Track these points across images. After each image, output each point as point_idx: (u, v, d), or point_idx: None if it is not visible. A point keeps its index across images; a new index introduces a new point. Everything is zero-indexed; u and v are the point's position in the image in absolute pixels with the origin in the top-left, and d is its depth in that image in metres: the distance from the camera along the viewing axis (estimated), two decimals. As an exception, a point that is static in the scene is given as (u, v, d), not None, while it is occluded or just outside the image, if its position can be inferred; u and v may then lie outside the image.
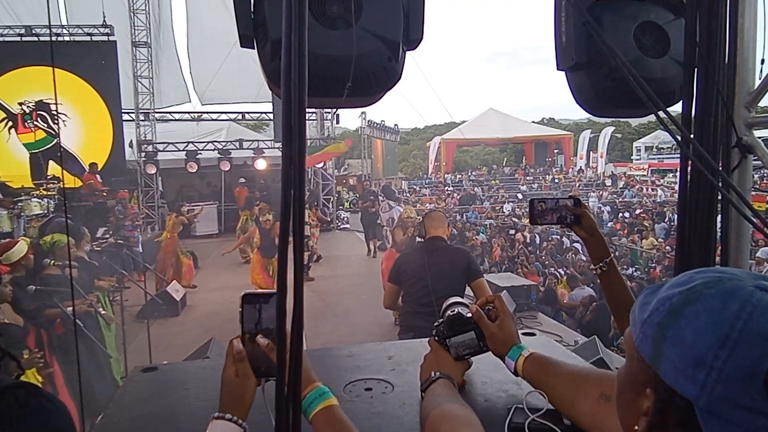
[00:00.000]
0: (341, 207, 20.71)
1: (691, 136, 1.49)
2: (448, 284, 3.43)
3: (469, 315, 1.28)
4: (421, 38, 1.39)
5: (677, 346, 0.51)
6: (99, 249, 6.15)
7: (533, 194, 25.08)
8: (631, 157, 37.74)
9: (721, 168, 1.49)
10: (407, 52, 1.44)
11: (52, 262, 4.50)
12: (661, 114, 1.51)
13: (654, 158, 34.10)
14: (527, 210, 1.75)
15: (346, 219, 18.31)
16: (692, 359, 0.49)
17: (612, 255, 1.53)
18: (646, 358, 0.54)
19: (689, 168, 1.51)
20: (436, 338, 1.30)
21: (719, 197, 1.48)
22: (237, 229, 13.45)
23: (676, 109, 1.65)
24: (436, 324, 1.32)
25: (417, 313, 3.47)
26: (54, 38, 13.85)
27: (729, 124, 1.52)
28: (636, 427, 0.55)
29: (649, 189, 25.96)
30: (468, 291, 3.60)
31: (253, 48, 1.31)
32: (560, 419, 1.09)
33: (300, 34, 0.60)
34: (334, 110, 17.47)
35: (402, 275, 3.63)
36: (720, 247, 1.55)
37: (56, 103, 12.25)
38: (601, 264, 1.51)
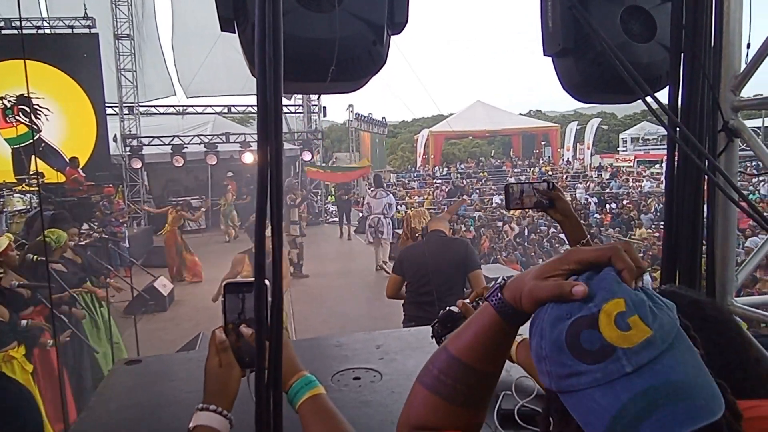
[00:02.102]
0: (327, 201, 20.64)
1: (678, 120, 1.49)
2: (448, 275, 3.56)
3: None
4: (406, 22, 1.37)
5: (531, 353, 0.62)
6: (84, 244, 6.04)
7: (521, 186, 25.11)
8: (617, 149, 38.00)
9: (707, 152, 1.49)
10: (393, 41, 1.42)
11: (35, 257, 4.42)
12: (648, 99, 1.50)
13: (640, 149, 34.35)
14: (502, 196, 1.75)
15: (334, 212, 18.25)
16: (536, 357, 0.60)
17: (588, 237, 1.54)
18: None
19: (676, 153, 1.51)
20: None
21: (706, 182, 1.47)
22: (221, 214, 14.32)
23: (664, 94, 1.65)
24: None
25: (418, 303, 3.60)
26: (35, 31, 13.58)
27: (715, 108, 1.52)
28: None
29: (635, 180, 26.16)
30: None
31: (234, 31, 1.28)
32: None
33: (274, 4, 0.57)
34: (320, 101, 17.40)
35: (405, 267, 3.75)
36: (706, 232, 1.54)
37: (28, 96, 12.02)
38: (578, 246, 1.51)
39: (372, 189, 12.32)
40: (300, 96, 17.67)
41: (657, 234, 13.92)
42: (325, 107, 17.70)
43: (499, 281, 0.72)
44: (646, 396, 0.52)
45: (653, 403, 0.51)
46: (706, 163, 1.41)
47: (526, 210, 1.70)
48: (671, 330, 0.56)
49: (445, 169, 32.19)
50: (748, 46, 1.63)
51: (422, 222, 4.92)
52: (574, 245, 1.54)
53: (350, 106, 23.39)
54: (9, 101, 12.93)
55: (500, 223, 15.92)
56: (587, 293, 0.58)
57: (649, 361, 0.53)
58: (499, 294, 0.70)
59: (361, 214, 14.95)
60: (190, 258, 10.05)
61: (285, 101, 16.58)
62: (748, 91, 1.65)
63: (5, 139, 12.95)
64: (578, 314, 0.57)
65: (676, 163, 1.53)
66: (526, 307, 0.65)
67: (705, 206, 1.53)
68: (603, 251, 0.63)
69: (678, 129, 1.46)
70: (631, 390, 0.52)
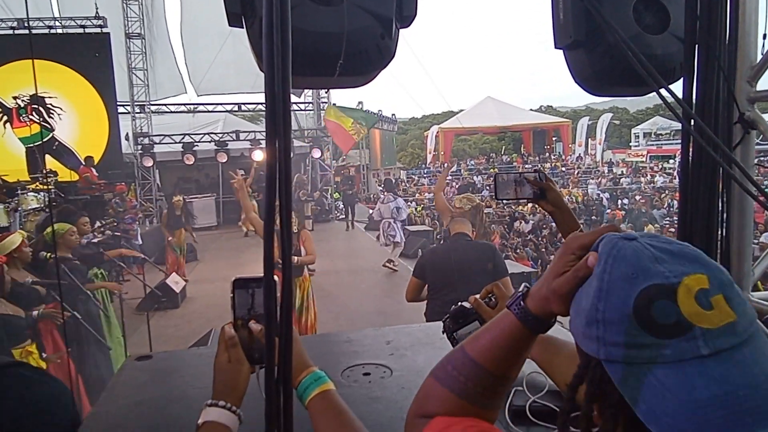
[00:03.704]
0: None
1: (693, 112, 1.46)
2: (475, 282, 3.41)
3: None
4: (415, 15, 1.35)
5: (579, 315, 0.58)
6: (96, 241, 6.11)
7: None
8: (630, 144, 37.68)
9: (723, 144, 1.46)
10: (402, 36, 1.40)
11: (49, 255, 4.46)
12: (662, 91, 1.47)
13: (652, 144, 34.03)
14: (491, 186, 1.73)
15: (343, 209, 18.29)
16: (586, 320, 0.56)
17: (581, 226, 1.51)
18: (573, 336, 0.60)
19: (691, 145, 1.48)
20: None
21: (722, 175, 1.45)
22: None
23: (677, 87, 1.61)
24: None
25: (444, 313, 3.46)
26: (47, 31, 13.72)
27: (731, 100, 1.49)
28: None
29: (648, 175, 25.92)
30: None
31: (242, 27, 1.27)
32: (562, 399, 1.07)
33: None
34: (329, 99, 17.40)
35: (427, 271, 3.63)
36: (723, 225, 1.52)
37: (36, 94, 12.22)
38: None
39: (383, 194, 12.50)
40: (310, 93, 17.71)
41: (672, 229, 13.78)
42: (334, 104, 17.70)
43: (521, 289, 0.71)
44: (723, 384, 0.47)
45: (731, 394, 0.47)
46: (722, 155, 1.39)
47: (529, 204, 1.68)
48: (752, 319, 0.52)
49: (455, 165, 32.10)
50: (765, 36, 1.60)
51: (467, 204, 4.65)
52: (566, 236, 1.52)
53: (360, 103, 23.35)
54: (22, 100, 13.10)
55: (514, 221, 15.85)
56: (598, 258, 0.57)
57: (729, 347, 0.49)
58: (521, 303, 0.68)
59: (370, 211, 14.99)
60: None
61: (294, 98, 16.59)
62: (764, 83, 1.62)
63: (19, 138, 13.12)
64: (653, 281, 0.52)
65: (690, 155, 1.50)
66: (557, 308, 0.63)
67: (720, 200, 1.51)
68: (600, 230, 0.63)
69: (693, 121, 1.43)
70: (705, 375, 0.48)
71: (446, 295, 3.46)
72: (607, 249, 0.57)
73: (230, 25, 1.30)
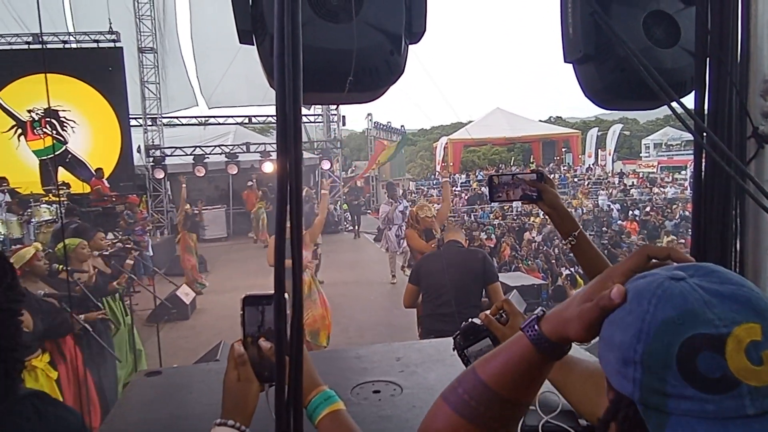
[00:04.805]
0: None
1: (705, 125, 1.45)
2: (466, 287, 3.53)
3: (481, 323, 1.26)
4: (424, 31, 1.36)
5: (612, 350, 0.54)
6: (108, 254, 6.14)
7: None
8: (640, 155, 37.48)
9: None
10: (410, 48, 1.41)
11: (61, 267, 4.48)
12: (674, 104, 1.46)
13: (663, 155, 33.83)
14: (486, 188, 1.72)
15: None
16: (622, 358, 0.52)
17: (580, 228, 1.50)
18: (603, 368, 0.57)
19: (703, 160, 1.47)
20: (455, 350, 1.27)
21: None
22: (251, 213, 14.94)
23: (688, 101, 1.60)
24: (453, 337, 1.30)
25: (437, 316, 3.56)
26: (61, 45, 13.97)
27: (743, 114, 1.48)
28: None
29: (659, 186, 25.73)
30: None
31: (252, 44, 1.28)
32: (575, 419, 1.05)
33: (293, 17, 0.56)
34: (339, 111, 17.51)
35: (421, 277, 3.71)
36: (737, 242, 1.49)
37: (49, 107, 12.47)
38: (570, 238, 1.48)
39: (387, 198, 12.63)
40: (320, 105, 17.82)
41: (683, 240, 13.64)
42: (344, 116, 17.82)
43: (537, 312, 0.68)
44: None
45: None
46: (735, 169, 1.37)
47: (541, 214, 1.67)
48: None
49: (464, 176, 32.04)
50: (778, 49, 1.58)
51: (428, 212, 4.80)
52: (566, 238, 1.51)
53: (369, 114, 23.53)
54: (36, 114, 13.31)
55: (524, 232, 15.76)
56: (625, 293, 0.55)
57: None
58: (536, 326, 0.65)
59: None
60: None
61: (304, 111, 16.73)
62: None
63: (33, 151, 13.31)
64: (700, 330, 0.48)
65: (703, 170, 1.49)
66: (574, 334, 0.60)
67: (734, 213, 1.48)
68: (637, 254, 0.61)
69: (705, 135, 1.42)
70: None
71: (438, 299, 3.56)
72: (652, 288, 0.53)
73: (241, 42, 1.31)
